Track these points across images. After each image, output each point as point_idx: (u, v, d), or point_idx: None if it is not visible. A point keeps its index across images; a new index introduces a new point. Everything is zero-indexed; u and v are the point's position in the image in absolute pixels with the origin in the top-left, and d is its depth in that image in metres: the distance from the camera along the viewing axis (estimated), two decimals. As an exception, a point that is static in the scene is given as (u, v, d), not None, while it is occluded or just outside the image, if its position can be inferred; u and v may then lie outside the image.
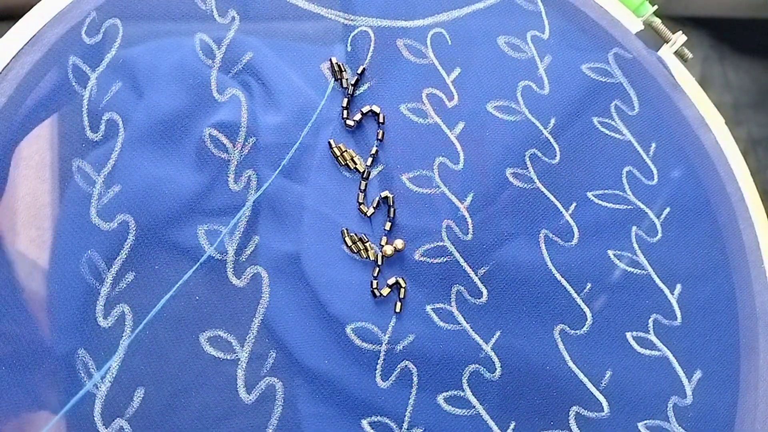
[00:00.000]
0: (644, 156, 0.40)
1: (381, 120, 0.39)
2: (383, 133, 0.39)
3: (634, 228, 0.39)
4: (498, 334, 0.37)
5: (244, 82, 0.38)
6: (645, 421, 0.37)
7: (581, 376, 0.37)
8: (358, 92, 0.39)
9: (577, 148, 0.40)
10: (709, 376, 0.38)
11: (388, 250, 0.37)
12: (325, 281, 0.36)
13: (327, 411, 0.36)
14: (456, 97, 0.40)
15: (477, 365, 0.37)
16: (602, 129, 0.40)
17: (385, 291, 0.37)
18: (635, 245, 0.39)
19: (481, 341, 0.37)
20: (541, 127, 0.40)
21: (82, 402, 0.34)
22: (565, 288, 0.38)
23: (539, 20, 0.41)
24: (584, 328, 0.38)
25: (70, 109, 0.37)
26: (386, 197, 0.38)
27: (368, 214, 0.38)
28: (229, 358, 0.35)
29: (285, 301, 0.36)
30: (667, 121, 0.41)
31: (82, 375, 0.34)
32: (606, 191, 0.40)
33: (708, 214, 0.40)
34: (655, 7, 0.43)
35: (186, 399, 0.35)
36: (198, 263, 0.36)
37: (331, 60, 0.39)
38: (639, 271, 0.39)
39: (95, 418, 0.34)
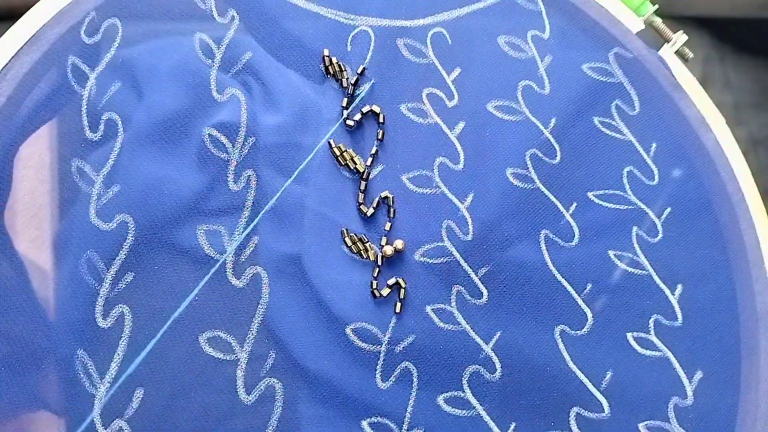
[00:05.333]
0: (645, 156, 0.40)
1: (381, 120, 0.39)
2: (383, 133, 0.38)
3: (634, 228, 0.39)
4: (498, 334, 0.37)
5: (243, 81, 0.38)
6: (645, 422, 0.37)
7: (582, 376, 0.37)
8: (358, 92, 0.39)
9: (577, 148, 0.40)
10: (709, 376, 0.38)
11: (388, 250, 0.37)
12: (325, 282, 0.36)
13: (327, 412, 0.36)
14: (456, 96, 0.39)
15: (477, 366, 0.37)
16: (603, 129, 0.40)
17: (385, 291, 0.37)
18: (636, 245, 0.39)
19: (481, 342, 0.37)
20: (541, 127, 0.40)
21: (81, 403, 0.34)
22: (565, 288, 0.38)
23: (540, 20, 0.41)
24: (585, 329, 0.38)
25: (70, 108, 0.37)
26: (386, 197, 0.38)
27: (368, 214, 0.38)
28: (228, 358, 0.35)
29: (285, 301, 0.36)
30: (668, 121, 0.41)
31: (82, 376, 0.34)
32: (607, 191, 0.39)
33: (709, 214, 0.40)
34: (656, 6, 0.42)
35: (185, 400, 0.35)
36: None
37: (331, 58, 0.39)
38: (640, 271, 0.39)
39: (94, 419, 0.34)
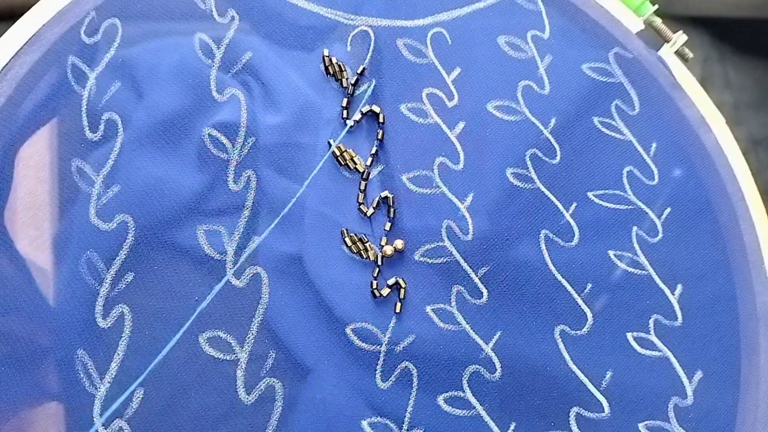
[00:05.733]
0: (645, 156, 0.40)
1: (381, 120, 0.39)
2: (383, 133, 0.38)
3: (634, 228, 0.39)
4: (498, 334, 0.37)
5: (243, 81, 0.38)
6: (645, 422, 0.37)
7: (582, 376, 0.37)
8: (357, 92, 0.39)
9: (577, 148, 0.40)
10: (709, 376, 0.38)
11: (388, 250, 0.37)
12: (325, 281, 0.36)
13: (327, 412, 0.35)
14: (456, 96, 0.39)
15: (477, 366, 0.37)
16: (603, 129, 0.40)
17: (385, 291, 0.37)
18: (636, 245, 0.39)
19: (481, 342, 0.37)
20: (541, 127, 0.40)
21: (81, 403, 0.34)
22: (565, 288, 0.38)
23: (540, 20, 0.41)
24: (585, 329, 0.38)
25: (69, 109, 0.37)
26: (386, 197, 0.38)
27: (368, 214, 0.38)
28: (228, 358, 0.35)
29: (284, 301, 0.36)
30: (668, 121, 0.41)
31: (82, 376, 0.34)
32: (606, 191, 0.39)
33: (709, 214, 0.40)
34: (656, 6, 0.42)
35: (185, 399, 0.35)
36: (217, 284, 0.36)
37: (331, 58, 0.39)
38: (639, 271, 0.39)
39: (94, 419, 0.34)
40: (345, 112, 0.39)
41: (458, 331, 0.37)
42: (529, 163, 0.39)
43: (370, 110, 0.39)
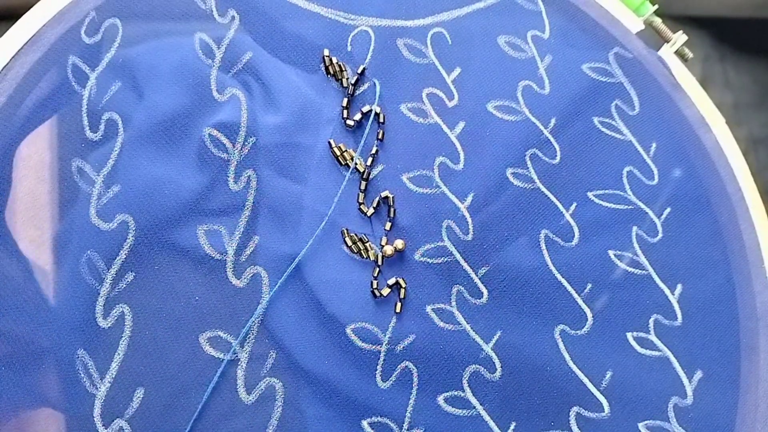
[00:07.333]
0: (645, 156, 0.40)
1: (381, 120, 0.39)
2: (383, 133, 0.38)
3: (634, 228, 0.39)
4: (498, 334, 0.37)
5: (243, 81, 0.38)
6: (645, 422, 0.37)
7: (582, 376, 0.37)
8: (358, 92, 0.39)
9: (577, 147, 0.40)
10: (709, 376, 0.38)
11: (388, 250, 0.37)
12: (325, 281, 0.36)
13: (327, 411, 0.36)
14: (456, 96, 0.40)
15: (477, 365, 0.37)
16: (603, 129, 0.40)
17: (385, 291, 0.37)
18: (636, 245, 0.39)
19: (481, 341, 0.37)
20: (541, 127, 0.40)
21: (81, 402, 0.34)
22: (565, 288, 0.38)
23: (540, 20, 0.41)
24: (585, 329, 0.38)
25: (70, 108, 0.37)
26: (386, 197, 0.38)
27: (368, 214, 0.38)
28: (228, 358, 0.35)
29: (285, 301, 0.36)
30: (668, 121, 0.41)
31: (82, 375, 0.34)
32: (606, 191, 0.39)
33: (708, 213, 0.40)
34: (656, 6, 0.42)
35: (185, 399, 0.35)
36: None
37: (331, 58, 0.39)
38: (639, 271, 0.39)
39: (95, 419, 0.34)
40: (345, 112, 0.39)
41: (458, 330, 0.37)
42: (529, 162, 0.39)
43: (371, 110, 0.39)
